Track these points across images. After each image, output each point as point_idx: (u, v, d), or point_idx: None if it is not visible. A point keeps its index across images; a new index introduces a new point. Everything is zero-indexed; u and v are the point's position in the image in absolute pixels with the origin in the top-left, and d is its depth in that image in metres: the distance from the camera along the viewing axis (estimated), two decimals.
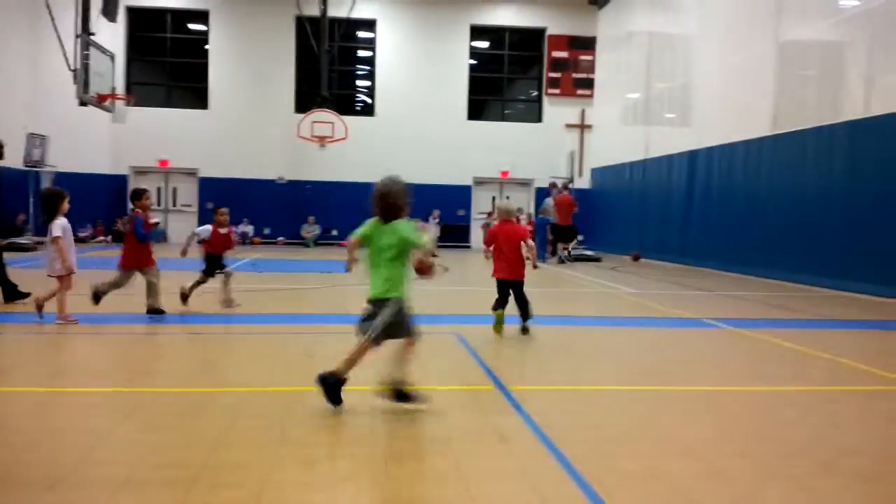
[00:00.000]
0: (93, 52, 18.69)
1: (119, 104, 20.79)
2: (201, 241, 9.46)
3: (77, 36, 18.21)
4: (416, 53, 27.51)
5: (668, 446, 4.31)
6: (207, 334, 7.96)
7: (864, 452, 4.28)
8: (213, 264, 9.48)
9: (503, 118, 28.79)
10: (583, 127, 27.94)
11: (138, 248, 8.76)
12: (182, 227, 27.19)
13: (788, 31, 15.54)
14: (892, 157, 12.39)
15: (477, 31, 28.05)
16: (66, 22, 18.38)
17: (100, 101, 19.19)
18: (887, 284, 12.25)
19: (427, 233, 9.03)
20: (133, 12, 26.65)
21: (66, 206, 8.31)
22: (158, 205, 27.37)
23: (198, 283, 9.34)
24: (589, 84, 27.57)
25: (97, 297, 8.57)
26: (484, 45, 28.46)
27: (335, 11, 25.57)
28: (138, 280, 8.77)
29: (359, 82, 28.70)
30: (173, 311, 8.77)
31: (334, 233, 26.18)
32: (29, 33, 22.74)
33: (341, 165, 26.01)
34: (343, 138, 24.42)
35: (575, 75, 27.99)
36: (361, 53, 28.29)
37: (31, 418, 4.69)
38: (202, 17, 27.10)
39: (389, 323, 4.81)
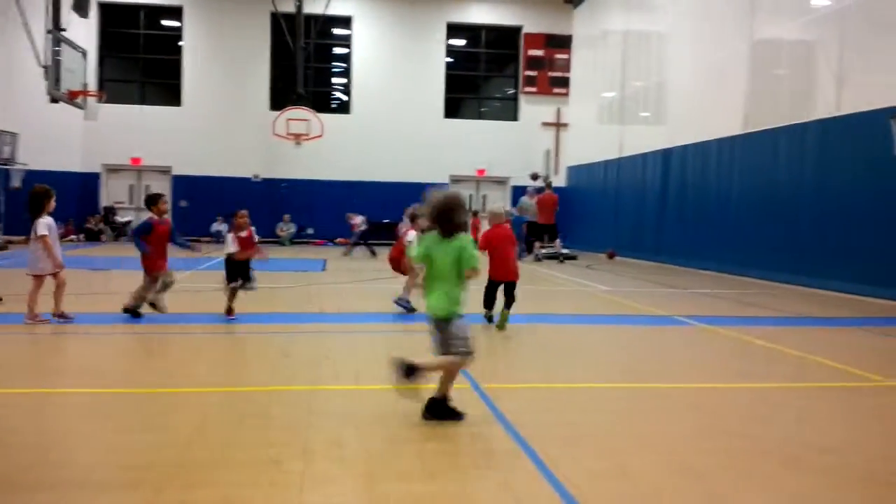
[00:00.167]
0: (64, 48, 18.44)
1: (91, 101, 20.54)
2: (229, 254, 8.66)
3: (48, 31, 17.95)
4: (393, 51, 27.44)
5: (640, 443, 4.33)
6: (183, 334, 7.88)
7: (833, 448, 4.33)
8: (238, 270, 8.66)
9: (480, 116, 28.81)
10: (559, 125, 28.04)
11: (158, 252, 8.63)
12: None
13: (761, 31, 15.69)
14: (862, 156, 12.56)
15: (453, 29, 28.03)
16: (37, 17, 18.10)
17: (71, 97, 18.95)
18: (858, 282, 12.42)
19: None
20: (105, 8, 26.30)
21: (52, 204, 8.16)
22: (131, 203, 27.11)
23: (233, 293, 8.65)
24: (565, 83, 27.67)
25: (154, 305, 8.52)
26: (460, 42, 28.46)
27: (311, 8, 25.40)
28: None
29: (335, 80, 28.57)
30: (146, 311, 8.66)
31: (310, 231, 26.05)
32: None
33: (317, 163, 25.89)
34: (319, 136, 24.28)
35: (551, 74, 28.07)
36: (337, 51, 28.16)
37: None
38: (176, 13, 26.82)
39: (456, 337, 4.67)
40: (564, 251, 20.00)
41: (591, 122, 24.95)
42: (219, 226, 25.21)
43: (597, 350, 7.57)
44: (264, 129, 24.79)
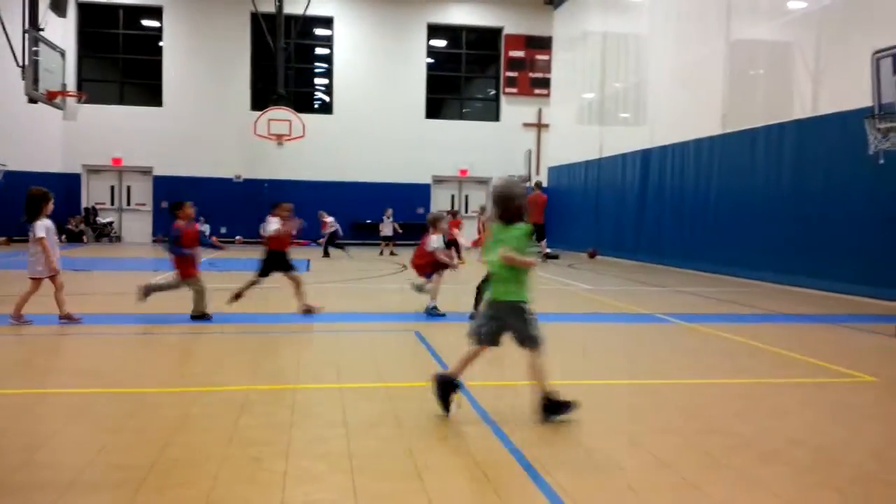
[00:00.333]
0: (42, 47, 18.32)
1: (70, 101, 20.41)
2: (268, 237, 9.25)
3: (25, 31, 17.83)
4: (374, 51, 27.46)
5: (615, 439, 4.42)
6: (163, 334, 7.88)
7: (806, 443, 4.42)
8: (276, 262, 9.24)
9: (461, 117, 28.91)
10: (540, 126, 28.19)
11: (184, 258, 8.66)
12: (136, 226, 26.83)
13: (738, 31, 15.87)
14: (839, 156, 12.74)
15: (434, 30, 28.10)
16: (14, 17, 17.97)
17: (50, 97, 18.82)
18: (834, 280, 12.60)
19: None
20: (84, 8, 26.14)
21: (49, 207, 8.12)
22: (112, 204, 26.94)
23: (251, 284, 9.18)
24: (546, 83, 27.80)
25: (202, 315, 8.53)
26: (441, 43, 28.53)
27: (291, 8, 25.37)
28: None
29: (316, 80, 28.54)
30: (131, 311, 8.64)
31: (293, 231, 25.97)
32: None
33: (299, 163, 25.87)
34: (301, 136, 24.27)
35: (532, 75, 28.22)
36: (319, 51, 28.14)
37: None
38: (156, 13, 26.69)
39: (517, 328, 4.77)
40: (548, 251, 20.11)
41: (572, 123, 25.08)
42: (201, 226, 25.10)
43: (576, 348, 7.63)
44: (246, 130, 24.72)
